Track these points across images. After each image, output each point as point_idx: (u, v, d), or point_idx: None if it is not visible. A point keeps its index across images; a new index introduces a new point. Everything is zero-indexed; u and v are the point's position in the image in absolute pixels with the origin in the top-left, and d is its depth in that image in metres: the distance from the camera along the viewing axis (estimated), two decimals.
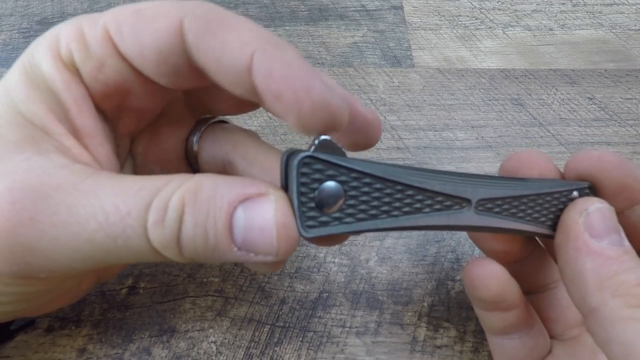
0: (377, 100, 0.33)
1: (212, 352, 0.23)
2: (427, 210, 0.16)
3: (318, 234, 0.15)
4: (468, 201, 0.17)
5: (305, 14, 0.38)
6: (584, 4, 0.39)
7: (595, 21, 0.38)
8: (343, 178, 0.15)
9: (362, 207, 0.15)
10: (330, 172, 0.15)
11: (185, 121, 0.21)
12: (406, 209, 0.16)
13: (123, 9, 0.16)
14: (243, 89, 0.15)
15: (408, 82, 0.34)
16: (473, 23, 0.38)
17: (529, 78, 0.34)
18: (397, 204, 0.16)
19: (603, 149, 0.30)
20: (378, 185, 0.15)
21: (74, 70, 0.17)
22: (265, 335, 0.24)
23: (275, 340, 0.24)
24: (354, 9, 0.39)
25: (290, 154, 0.15)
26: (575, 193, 0.18)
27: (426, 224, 0.16)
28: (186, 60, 0.16)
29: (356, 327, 0.24)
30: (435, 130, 0.31)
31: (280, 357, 0.23)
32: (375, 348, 0.23)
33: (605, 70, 0.35)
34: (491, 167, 0.30)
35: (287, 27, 0.37)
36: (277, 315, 0.24)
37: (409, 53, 0.36)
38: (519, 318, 0.19)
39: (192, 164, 0.21)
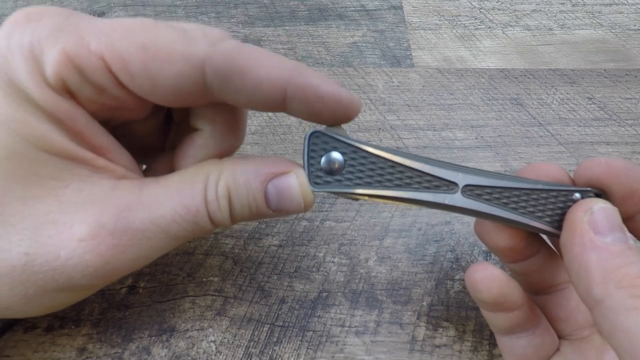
0: (377, 100, 0.33)
1: (212, 351, 0.23)
2: (415, 186, 0.19)
3: (322, 190, 0.19)
4: (455, 184, 0.19)
5: (305, 14, 0.38)
6: (584, 4, 0.39)
7: (594, 21, 0.38)
8: (344, 150, 0.19)
9: (359, 174, 0.19)
10: (334, 145, 0.19)
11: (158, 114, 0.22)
12: (397, 182, 0.19)
13: (121, 39, 0.16)
14: (266, 108, 0.18)
15: (407, 82, 0.34)
16: (472, 23, 0.38)
17: (529, 78, 0.34)
18: (388, 177, 0.19)
19: (611, 155, 0.30)
20: (372, 160, 0.19)
21: (66, 95, 0.17)
22: (265, 334, 0.24)
23: (275, 339, 0.24)
24: (353, 8, 0.39)
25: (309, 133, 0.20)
26: (577, 195, 0.19)
27: (414, 197, 0.19)
28: (203, 92, 0.17)
29: (355, 327, 0.24)
30: (435, 130, 0.31)
31: (280, 356, 0.23)
32: (374, 347, 0.23)
33: (605, 70, 0.35)
34: (490, 167, 0.30)
35: (287, 27, 0.37)
36: (276, 315, 0.24)
37: (408, 53, 0.36)
38: (523, 317, 0.20)
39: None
